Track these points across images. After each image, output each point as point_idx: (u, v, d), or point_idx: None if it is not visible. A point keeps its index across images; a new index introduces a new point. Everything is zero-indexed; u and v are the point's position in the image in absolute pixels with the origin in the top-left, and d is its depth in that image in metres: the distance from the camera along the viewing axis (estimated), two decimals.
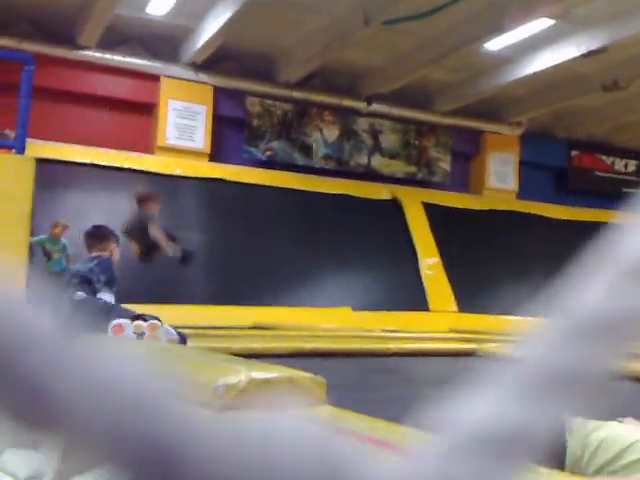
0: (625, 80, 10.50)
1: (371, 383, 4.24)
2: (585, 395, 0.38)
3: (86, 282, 4.18)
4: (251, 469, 0.36)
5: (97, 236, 4.53)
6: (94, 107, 10.36)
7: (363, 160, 11.95)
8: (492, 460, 0.36)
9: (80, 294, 4.07)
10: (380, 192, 11.61)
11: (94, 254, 4.42)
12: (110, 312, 3.95)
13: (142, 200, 5.94)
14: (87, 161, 9.75)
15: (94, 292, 4.16)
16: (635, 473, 2.04)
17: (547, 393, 0.38)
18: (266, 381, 2.09)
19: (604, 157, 14.06)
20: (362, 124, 11.93)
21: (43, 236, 7.64)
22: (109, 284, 4.26)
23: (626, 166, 14.24)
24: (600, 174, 13.98)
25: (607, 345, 0.38)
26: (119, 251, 4.62)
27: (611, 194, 13.98)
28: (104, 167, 9.81)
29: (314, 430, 0.37)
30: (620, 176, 14.16)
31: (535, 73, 10.32)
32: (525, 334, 0.42)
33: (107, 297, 4.21)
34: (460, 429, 0.38)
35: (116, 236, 4.69)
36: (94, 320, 3.84)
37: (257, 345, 5.00)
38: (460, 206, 12.05)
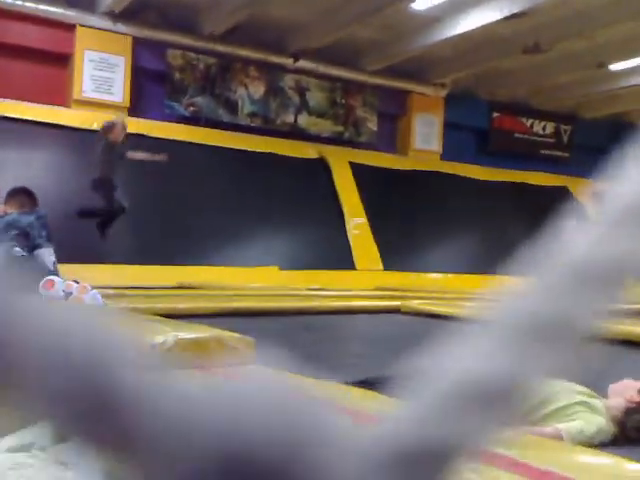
0: (546, 43, 10.73)
1: (298, 341, 4.24)
2: (571, 348, 0.36)
3: (24, 235, 4.04)
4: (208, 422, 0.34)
5: (30, 195, 4.42)
6: (5, 57, 9.77)
7: (290, 118, 11.81)
8: (474, 415, 0.34)
9: (18, 250, 3.93)
10: (307, 151, 11.54)
11: (25, 210, 4.29)
12: (48, 274, 3.84)
13: (107, 131, 6.41)
14: None
15: (30, 248, 4.03)
16: (555, 422, 2.11)
17: (532, 345, 0.35)
18: (194, 341, 2.04)
19: (523, 119, 14.44)
20: (288, 81, 11.76)
21: None
22: (49, 240, 4.17)
23: (544, 128, 14.67)
24: (519, 136, 14.37)
25: (595, 294, 0.36)
26: None
27: (529, 155, 14.43)
28: (16, 120, 9.31)
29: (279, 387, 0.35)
30: (538, 138, 14.59)
31: (460, 34, 10.39)
32: (508, 286, 0.39)
33: (50, 253, 4.10)
34: (437, 384, 0.36)
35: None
36: (32, 280, 3.73)
37: (182, 305, 4.89)
38: (386, 166, 12.16)
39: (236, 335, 2.18)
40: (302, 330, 4.74)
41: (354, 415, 1.40)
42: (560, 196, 13.52)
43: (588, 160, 15.47)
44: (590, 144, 15.12)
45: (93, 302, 3.58)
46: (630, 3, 9.19)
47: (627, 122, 15.31)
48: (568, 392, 2.15)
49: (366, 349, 4.08)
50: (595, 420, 2.03)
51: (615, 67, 12.13)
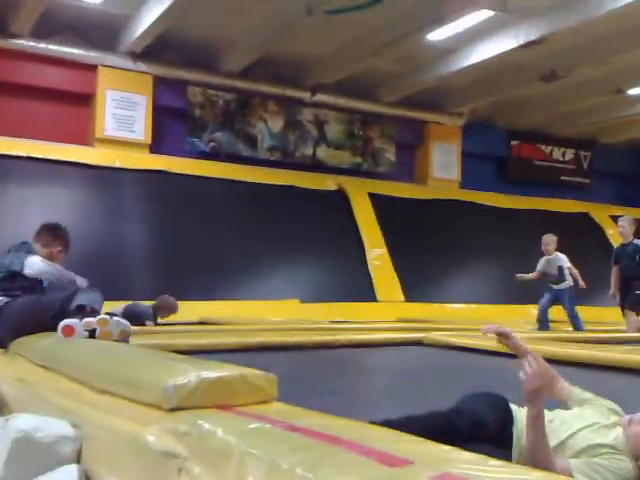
0: (563, 70, 10.75)
1: (319, 376, 4.21)
2: None
3: (11, 276, 3.87)
4: None
5: (50, 229, 4.22)
6: (29, 98, 10.01)
7: (308, 151, 11.90)
8: None
9: (1, 299, 3.76)
10: (326, 183, 11.60)
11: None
12: (36, 305, 3.65)
13: (159, 308, 6.89)
14: (23, 154, 9.41)
15: (23, 288, 3.83)
16: (583, 458, 2.06)
17: None
18: (216, 380, 2.03)
19: (543, 146, 14.42)
20: (307, 114, 11.88)
21: None
22: (30, 252, 3.96)
23: (564, 155, 14.63)
24: (539, 163, 14.33)
25: None
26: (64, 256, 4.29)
27: (549, 182, 14.37)
28: (41, 160, 9.49)
29: None
30: (558, 165, 14.54)
31: (476, 64, 10.45)
32: None
33: (36, 259, 3.90)
34: None
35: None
36: (19, 321, 3.57)
37: (204, 341, 4.89)
38: (405, 196, 12.16)
39: (258, 372, 2.17)
40: (323, 364, 4.71)
41: (379, 456, 1.38)
42: (582, 223, 13.41)
43: (609, 186, 15.42)
44: (610, 170, 15.05)
45: (119, 329, 3.38)
46: None
47: None
48: (601, 430, 2.08)
49: (389, 384, 4.04)
50: (619, 465, 1.95)
51: (633, 92, 12.10)
